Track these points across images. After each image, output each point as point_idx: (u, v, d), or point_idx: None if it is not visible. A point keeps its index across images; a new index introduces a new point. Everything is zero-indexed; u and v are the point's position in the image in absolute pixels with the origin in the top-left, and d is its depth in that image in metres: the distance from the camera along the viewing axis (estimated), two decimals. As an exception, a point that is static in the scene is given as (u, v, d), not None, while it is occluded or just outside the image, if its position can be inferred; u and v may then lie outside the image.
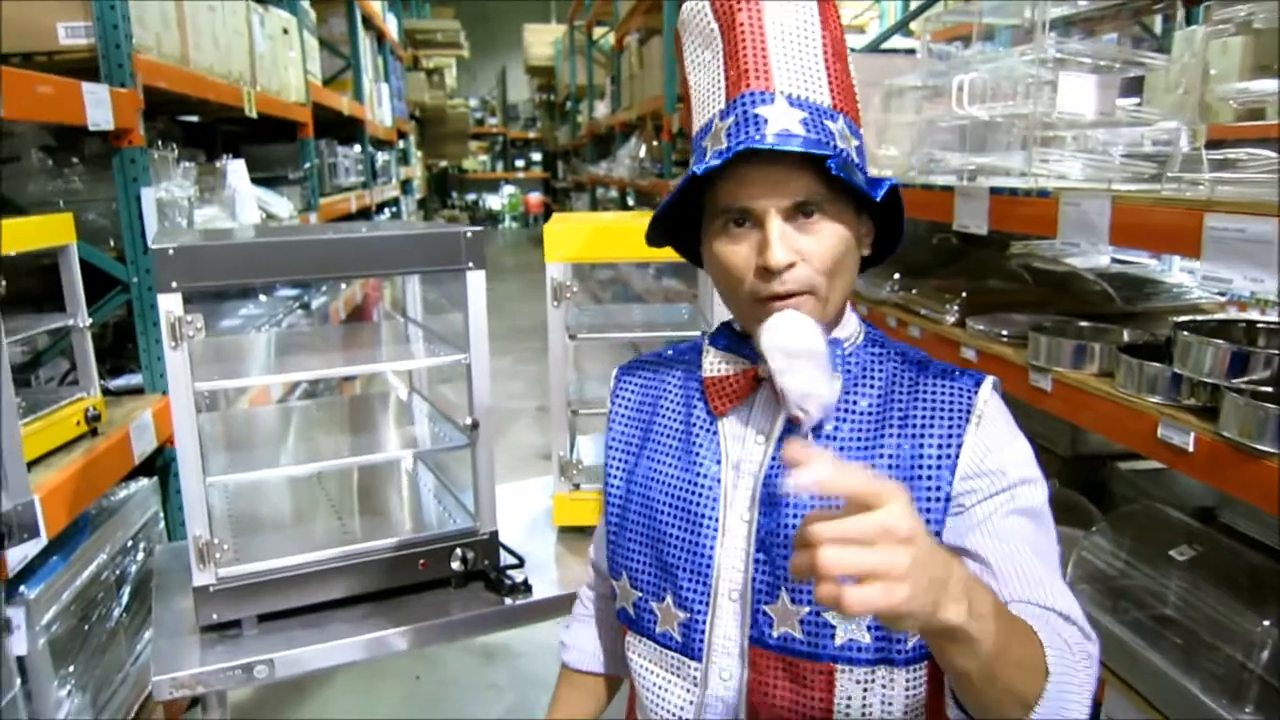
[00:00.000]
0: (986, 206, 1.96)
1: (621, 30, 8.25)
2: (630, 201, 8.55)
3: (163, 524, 2.40)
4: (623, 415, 1.15)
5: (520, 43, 14.76)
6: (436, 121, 12.14)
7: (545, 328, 1.70)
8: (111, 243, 2.39)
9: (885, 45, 3.54)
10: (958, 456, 0.95)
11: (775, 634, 0.98)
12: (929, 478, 0.96)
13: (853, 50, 1.15)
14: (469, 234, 1.46)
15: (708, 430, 1.05)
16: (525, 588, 1.55)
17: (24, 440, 1.67)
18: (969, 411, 0.97)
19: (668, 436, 1.08)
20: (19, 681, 1.72)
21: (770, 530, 0.98)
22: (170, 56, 2.59)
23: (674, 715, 1.05)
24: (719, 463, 1.03)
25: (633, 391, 1.15)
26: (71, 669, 1.92)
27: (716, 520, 1.01)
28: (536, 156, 18.91)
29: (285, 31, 4.07)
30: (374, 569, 1.51)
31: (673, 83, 6.04)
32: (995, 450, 0.96)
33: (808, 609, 0.96)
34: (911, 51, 3.23)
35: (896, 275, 2.65)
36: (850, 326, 1.04)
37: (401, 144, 9.11)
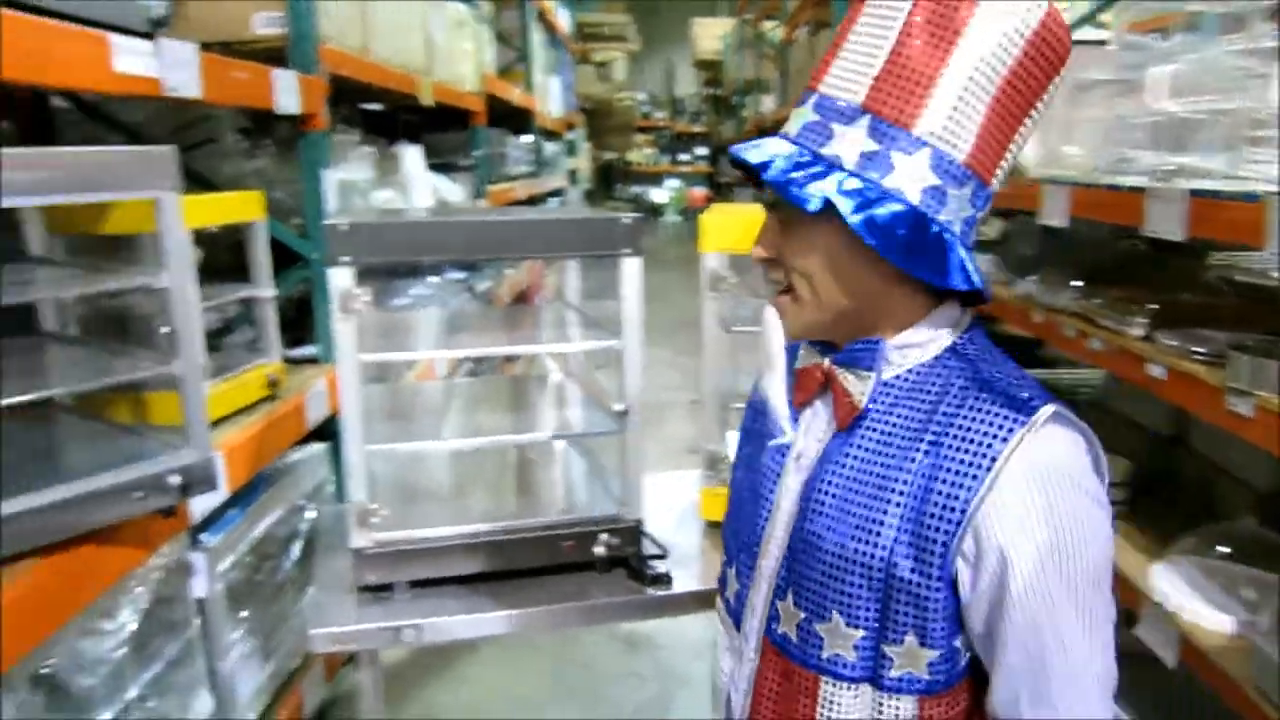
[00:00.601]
0: (1183, 210, 1.81)
1: (791, 23, 8.13)
2: (792, 197, 8.40)
3: (332, 487, 2.53)
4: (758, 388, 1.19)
5: (688, 36, 14.80)
6: (604, 114, 12.34)
7: (704, 320, 1.69)
8: (296, 220, 2.54)
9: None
10: (969, 512, 0.87)
11: (779, 630, 1.01)
12: (936, 519, 0.89)
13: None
14: (627, 220, 1.46)
15: (791, 418, 1.06)
16: (666, 579, 1.54)
17: (212, 400, 1.79)
18: (995, 457, 0.86)
19: (768, 416, 1.10)
20: (197, 621, 1.86)
21: (798, 531, 0.99)
22: (353, 47, 2.72)
23: (726, 678, 1.12)
24: (787, 451, 1.04)
25: None
26: (244, 615, 2.05)
27: (771, 505, 1.04)
28: (702, 151, 18.90)
29: (461, 24, 4.21)
30: (522, 547, 1.54)
31: (843, 76, 5.88)
32: (1020, 515, 0.86)
33: (803, 615, 0.98)
34: (1101, 43, 3.04)
35: (1076, 282, 2.49)
36: (923, 338, 0.96)
37: (570, 135, 9.30)
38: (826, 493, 0.97)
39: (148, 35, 1.67)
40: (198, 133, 2.54)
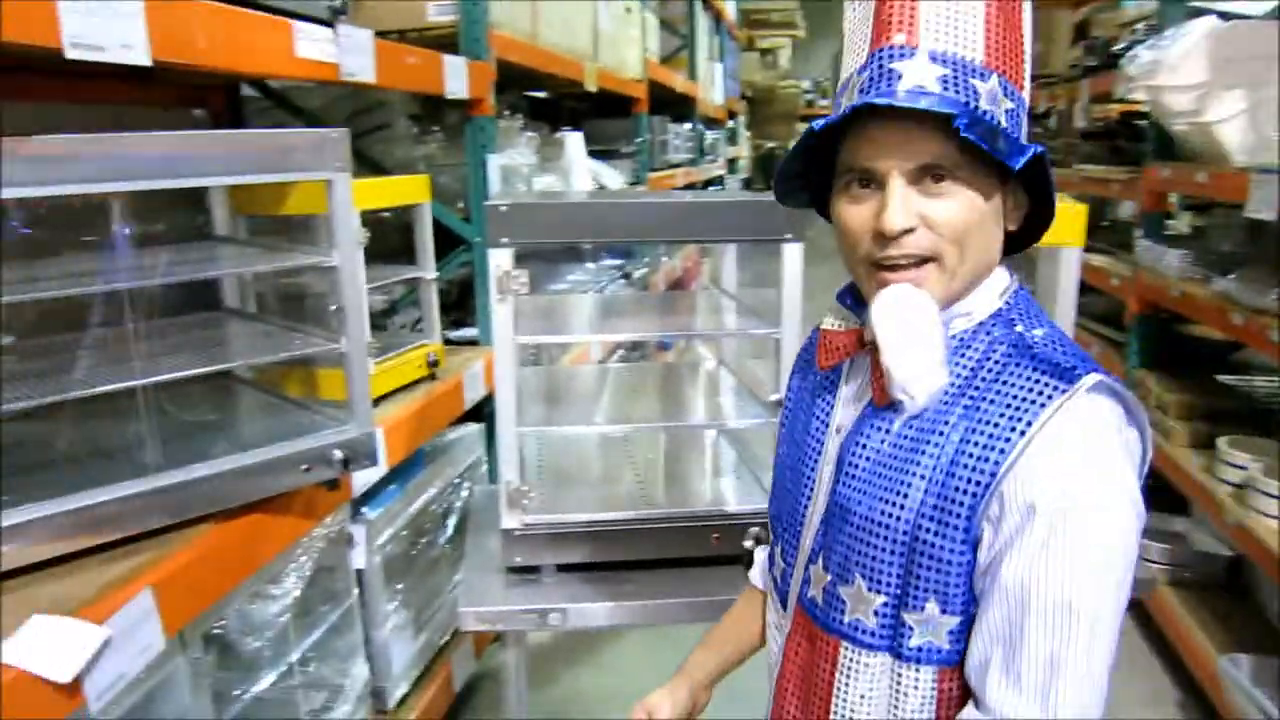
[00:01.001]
0: None
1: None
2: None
3: (486, 467, 2.59)
4: (800, 359, 1.15)
5: (857, 21, 14.36)
6: (766, 102, 12.17)
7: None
8: (461, 205, 2.60)
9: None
10: (999, 474, 0.84)
11: (809, 595, 1.00)
12: (964, 481, 0.86)
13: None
14: (790, 204, 1.40)
15: (828, 390, 1.04)
16: (818, 578, 1.48)
17: (375, 378, 1.85)
18: (1030, 421, 0.84)
19: (806, 391, 1.08)
20: (356, 591, 1.93)
21: (832, 497, 0.98)
22: (521, 32, 2.75)
23: (773, 656, 1.11)
24: (826, 425, 1.02)
25: (811, 338, 1.14)
26: (400, 587, 2.12)
27: (813, 481, 1.02)
28: (864, 139, 18.36)
29: (628, 10, 4.22)
30: (669, 536, 1.51)
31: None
32: (1045, 476, 0.83)
33: (829, 578, 0.97)
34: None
35: (1285, 279, 2.25)
36: (977, 304, 0.94)
37: (731, 123, 9.21)
38: (860, 456, 0.95)
39: (328, 23, 1.73)
40: (372, 119, 2.63)
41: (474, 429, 2.51)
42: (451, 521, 2.38)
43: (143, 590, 1.20)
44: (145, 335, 1.62)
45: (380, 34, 1.89)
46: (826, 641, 0.97)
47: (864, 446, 0.95)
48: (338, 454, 1.49)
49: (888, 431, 0.93)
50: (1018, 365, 0.88)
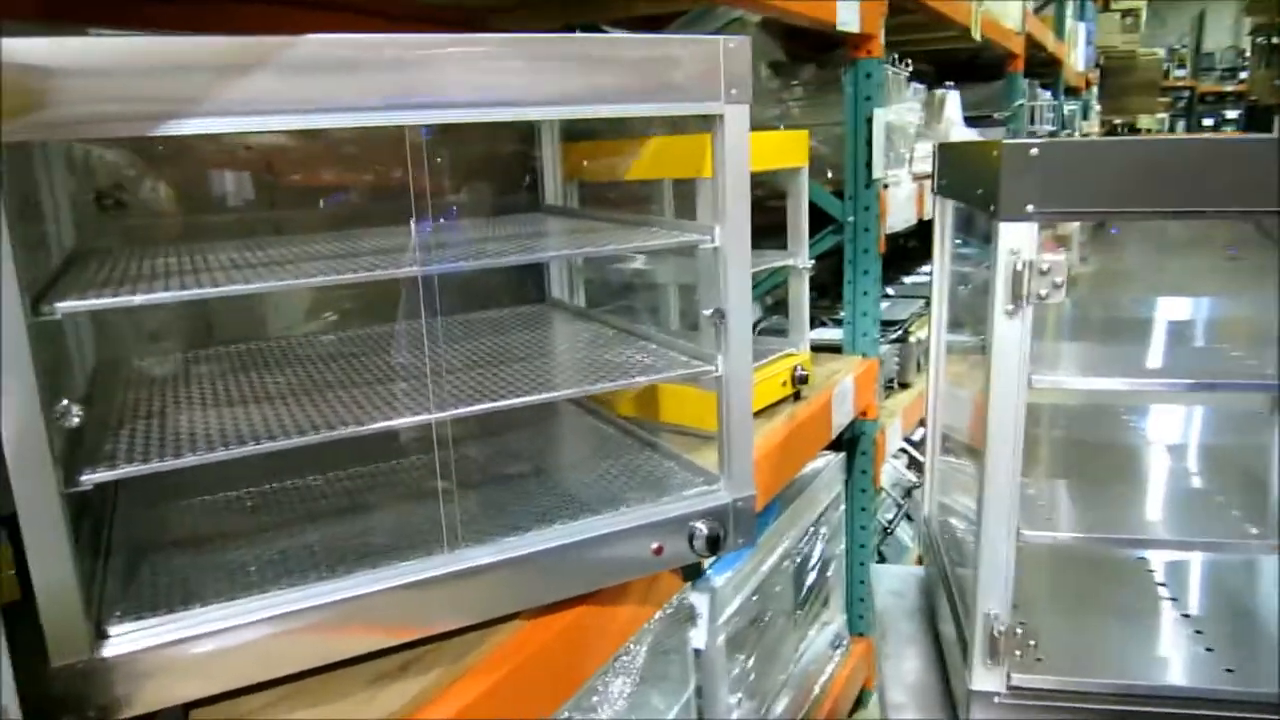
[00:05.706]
0: None
1: None
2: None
3: (844, 508, 2.05)
4: None
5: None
6: (1122, 71, 10.64)
7: None
8: (828, 175, 2.05)
9: None
10: None
11: None
12: None
13: None
14: None
15: None
16: None
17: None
18: None
19: None
20: (694, 680, 1.46)
21: None
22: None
23: None
24: None
25: None
26: (748, 667, 1.63)
27: None
28: (1231, 114, 15.84)
29: (1011, -52, 3.48)
30: None
31: None
32: None
33: None
34: None
35: None
36: None
37: (1085, 95, 8.01)
38: None
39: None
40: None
41: (834, 460, 1.97)
42: (809, 577, 1.87)
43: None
44: (452, 335, 1.23)
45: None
46: None
47: None
48: (703, 529, 1.00)
49: None
50: None
